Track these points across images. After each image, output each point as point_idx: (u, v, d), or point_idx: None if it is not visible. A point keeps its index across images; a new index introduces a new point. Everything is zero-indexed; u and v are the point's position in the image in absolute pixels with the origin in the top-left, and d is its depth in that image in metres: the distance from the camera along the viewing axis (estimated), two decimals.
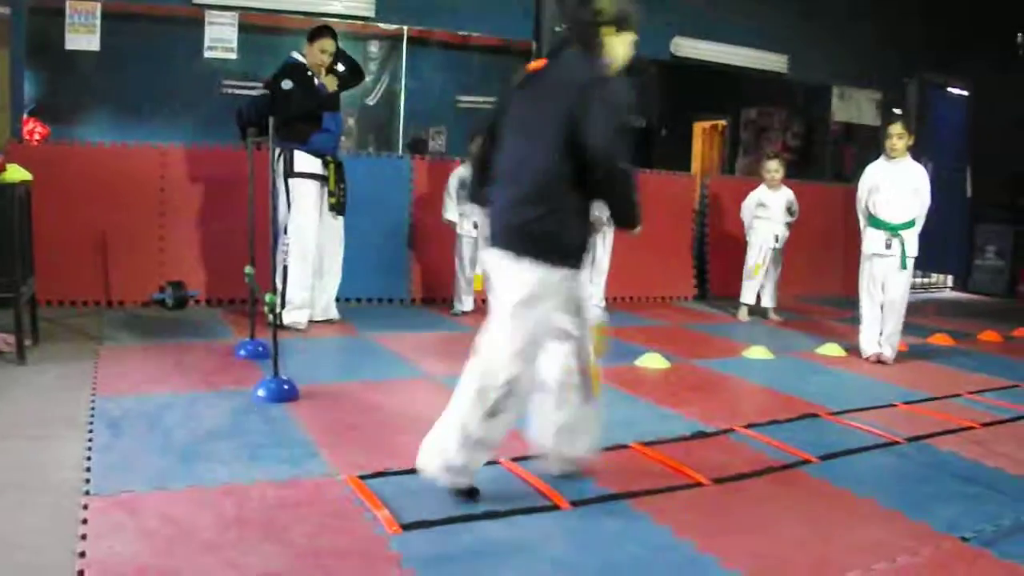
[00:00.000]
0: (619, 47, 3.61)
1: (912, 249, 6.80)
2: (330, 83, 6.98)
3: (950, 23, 12.02)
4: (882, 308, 6.91)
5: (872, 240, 6.86)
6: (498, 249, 3.48)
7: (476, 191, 3.86)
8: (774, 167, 8.85)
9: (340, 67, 7.13)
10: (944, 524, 3.51)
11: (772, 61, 10.91)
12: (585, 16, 3.53)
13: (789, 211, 8.85)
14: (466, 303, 8.11)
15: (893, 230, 6.76)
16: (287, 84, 6.65)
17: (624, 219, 3.74)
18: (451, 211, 7.98)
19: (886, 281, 6.85)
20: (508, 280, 3.47)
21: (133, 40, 8.40)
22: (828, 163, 12.41)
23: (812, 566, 3.06)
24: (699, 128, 14.60)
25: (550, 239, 3.40)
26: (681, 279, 10.23)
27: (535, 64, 3.65)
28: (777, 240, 8.81)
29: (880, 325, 6.91)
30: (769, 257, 8.83)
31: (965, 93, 12.85)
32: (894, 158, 6.83)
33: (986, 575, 3.09)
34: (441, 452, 3.42)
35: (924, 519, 3.56)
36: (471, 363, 3.54)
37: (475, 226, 7.90)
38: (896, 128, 6.85)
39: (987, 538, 3.40)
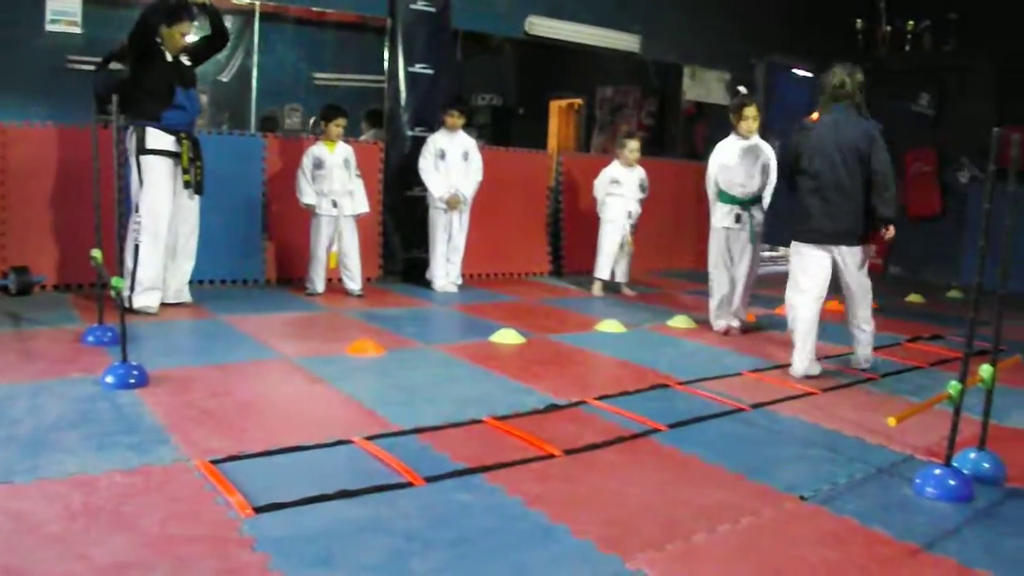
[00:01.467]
0: (863, 106, 5.79)
1: (758, 223, 7.11)
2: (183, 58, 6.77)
3: (795, 7, 12.45)
4: (732, 281, 7.17)
5: (722, 215, 7.11)
6: (836, 244, 5.74)
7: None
8: (635, 146, 9.00)
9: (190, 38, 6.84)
10: (785, 485, 3.69)
11: (625, 41, 11.10)
12: (854, 87, 5.77)
13: (641, 188, 9.04)
14: (319, 284, 8.04)
15: (742, 204, 7.03)
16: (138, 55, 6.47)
17: (890, 214, 5.65)
18: (308, 194, 7.87)
19: (736, 254, 7.10)
20: (856, 256, 5.78)
21: None
22: (680, 141, 12.71)
23: (660, 530, 3.17)
24: (555, 106, 14.77)
25: (863, 234, 5.76)
26: (536, 255, 10.37)
27: (815, 116, 5.83)
28: (631, 216, 8.97)
29: (731, 297, 7.17)
30: (631, 232, 8.99)
31: (809, 75, 13.33)
32: (747, 138, 7.10)
33: (822, 531, 3.26)
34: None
35: (766, 481, 3.73)
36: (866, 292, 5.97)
37: (334, 204, 7.83)
38: (751, 110, 7.10)
39: (824, 497, 3.60)
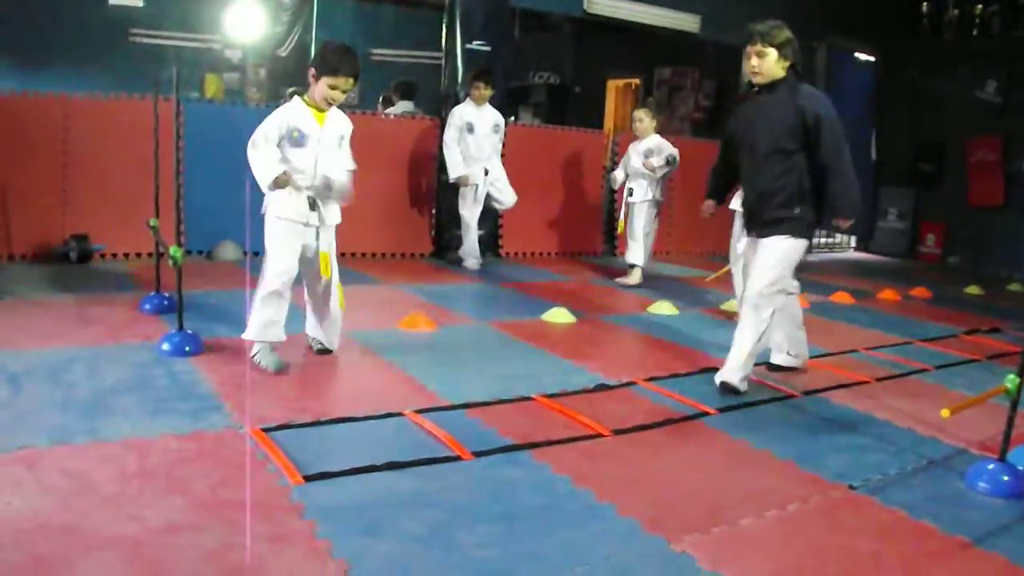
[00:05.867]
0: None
1: None
2: None
3: None
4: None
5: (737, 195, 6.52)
6: None
7: None
8: (639, 115, 8.37)
9: None
10: (834, 473, 3.66)
11: (685, 21, 10.97)
12: None
13: (647, 155, 8.18)
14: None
15: None
16: None
17: None
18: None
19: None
20: None
21: None
22: None
23: (706, 514, 3.17)
24: (613, 86, 14.70)
25: None
26: (591, 235, 10.33)
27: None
28: (631, 194, 8.33)
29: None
30: (636, 212, 8.28)
31: (872, 59, 13.11)
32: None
33: (870, 521, 3.23)
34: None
35: (815, 469, 3.70)
36: None
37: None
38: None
39: (874, 486, 3.56)
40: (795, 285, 5.07)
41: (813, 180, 4.75)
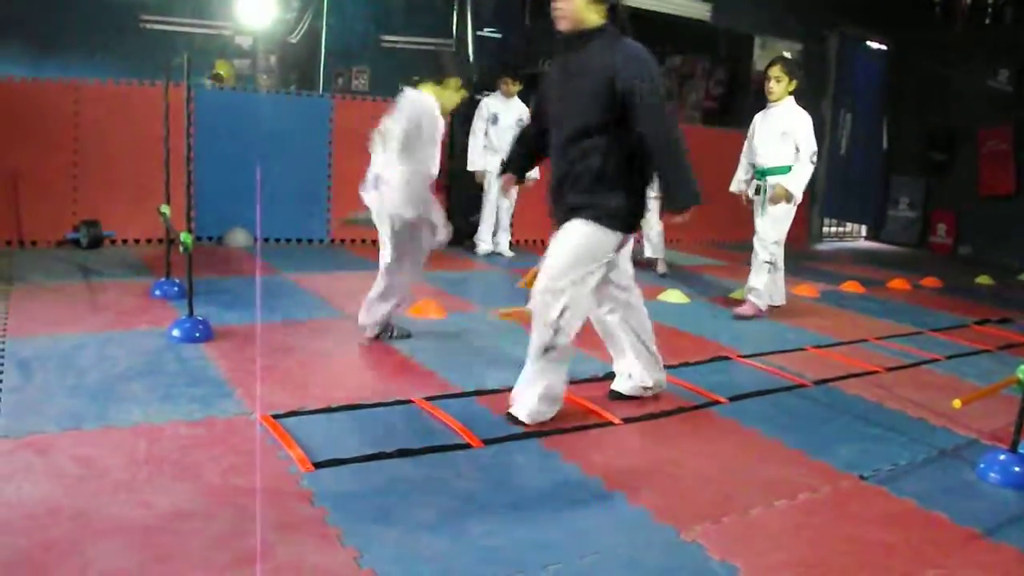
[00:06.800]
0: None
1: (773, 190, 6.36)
2: None
3: None
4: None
5: (752, 186, 6.57)
6: None
7: None
8: None
9: None
10: (844, 463, 3.64)
11: (695, 9, 10.92)
12: None
13: None
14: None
15: (760, 175, 6.47)
16: None
17: None
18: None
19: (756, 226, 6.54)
20: None
21: None
22: (749, 112, 12.49)
23: (715, 502, 3.16)
24: None
25: None
26: None
27: None
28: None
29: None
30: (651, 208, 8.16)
31: (884, 47, 13.04)
32: (772, 101, 6.44)
33: (881, 511, 3.22)
34: None
35: (826, 458, 3.69)
36: None
37: None
38: (773, 70, 6.40)
39: (884, 477, 3.54)
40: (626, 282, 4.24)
41: (631, 161, 3.80)
